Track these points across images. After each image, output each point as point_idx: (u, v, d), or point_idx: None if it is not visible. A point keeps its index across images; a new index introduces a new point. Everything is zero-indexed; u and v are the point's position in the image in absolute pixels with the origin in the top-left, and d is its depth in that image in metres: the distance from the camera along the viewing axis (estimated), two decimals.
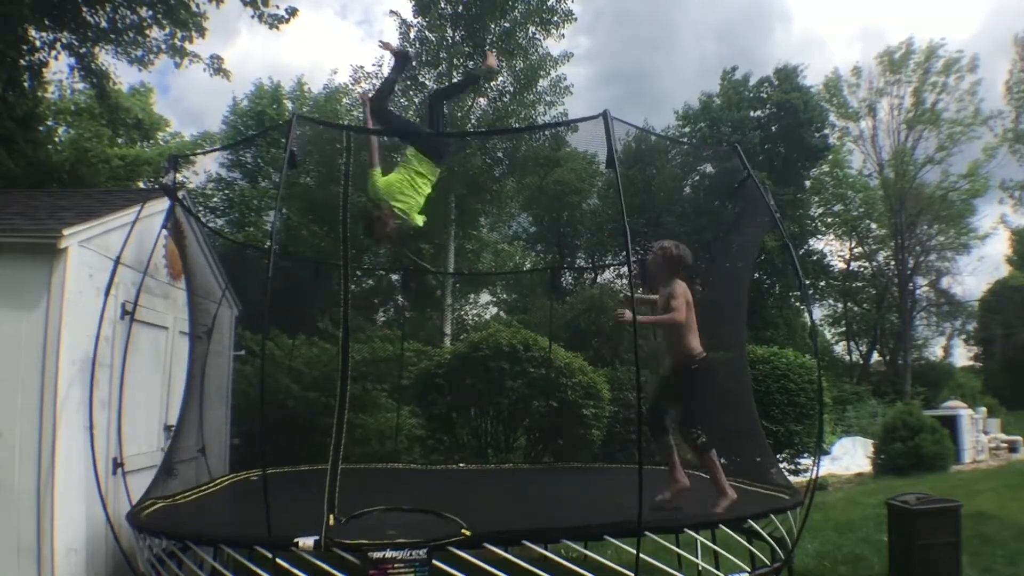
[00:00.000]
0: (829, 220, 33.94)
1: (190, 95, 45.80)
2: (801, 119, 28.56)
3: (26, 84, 10.71)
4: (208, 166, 23.04)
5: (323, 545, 3.59)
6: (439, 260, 18.19)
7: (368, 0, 57.17)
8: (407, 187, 4.94)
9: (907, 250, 31.00)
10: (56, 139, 15.85)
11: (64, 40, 10.64)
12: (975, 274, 48.22)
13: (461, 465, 8.42)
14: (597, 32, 52.56)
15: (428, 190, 5.06)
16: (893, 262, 32.28)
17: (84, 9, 10.22)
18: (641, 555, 3.72)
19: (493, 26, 17.65)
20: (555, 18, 17.80)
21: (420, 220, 5.04)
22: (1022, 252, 34.33)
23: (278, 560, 3.62)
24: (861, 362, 35.49)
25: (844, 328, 36.08)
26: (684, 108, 30.91)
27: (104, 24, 10.57)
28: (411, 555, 3.52)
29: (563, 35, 18.13)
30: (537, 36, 17.98)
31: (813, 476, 4.86)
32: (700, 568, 4.28)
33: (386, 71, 18.66)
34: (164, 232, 5.61)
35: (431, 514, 4.04)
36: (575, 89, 19.19)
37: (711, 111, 29.78)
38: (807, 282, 29.69)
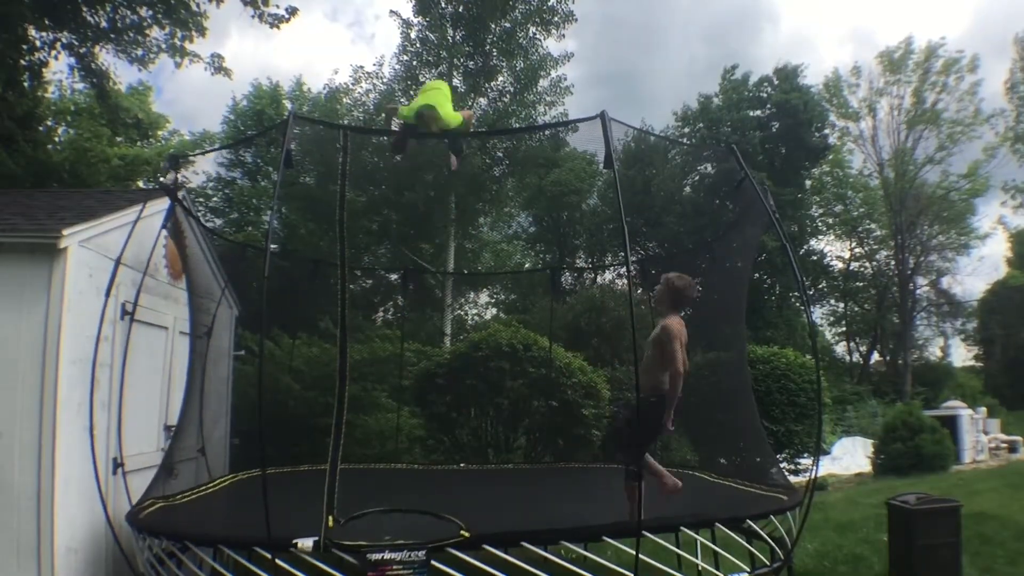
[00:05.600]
0: (829, 220, 33.96)
1: (184, 98, 45.71)
2: (801, 119, 28.56)
3: (26, 84, 10.72)
4: (205, 167, 23.08)
5: (322, 546, 3.59)
6: (439, 260, 18.18)
7: (360, 2, 57.12)
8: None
9: (907, 250, 30.98)
10: (56, 139, 15.85)
11: (64, 40, 10.65)
12: (975, 274, 48.25)
13: (461, 465, 8.42)
14: (583, 35, 52.43)
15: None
16: (893, 262, 32.28)
17: (84, 9, 10.23)
18: (641, 556, 3.72)
19: (494, 26, 17.64)
20: (555, 18, 17.81)
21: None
22: (1022, 253, 34.33)
23: (277, 561, 3.62)
24: (861, 362, 35.51)
25: (844, 328, 36.09)
26: (683, 109, 30.98)
27: (104, 24, 10.58)
28: (410, 556, 3.52)
29: (563, 35, 18.14)
30: (537, 36, 17.98)
31: (813, 476, 4.86)
32: (700, 568, 4.27)
33: (386, 71, 18.72)
34: (164, 232, 5.61)
35: (430, 515, 4.04)
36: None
37: (709, 112, 29.77)
38: (807, 282, 29.68)
